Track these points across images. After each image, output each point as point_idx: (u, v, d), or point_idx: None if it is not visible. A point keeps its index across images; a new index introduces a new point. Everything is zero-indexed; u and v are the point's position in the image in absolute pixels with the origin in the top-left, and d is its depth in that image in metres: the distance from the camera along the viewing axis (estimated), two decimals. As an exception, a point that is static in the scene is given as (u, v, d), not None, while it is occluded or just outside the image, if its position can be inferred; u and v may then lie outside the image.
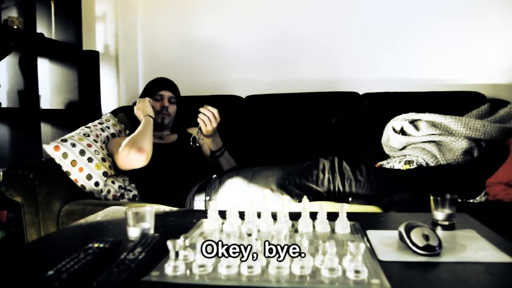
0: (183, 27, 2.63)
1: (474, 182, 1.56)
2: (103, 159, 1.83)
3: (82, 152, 1.77)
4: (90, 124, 1.99)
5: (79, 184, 1.76)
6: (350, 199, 1.58)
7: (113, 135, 2.04)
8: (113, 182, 1.81)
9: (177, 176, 1.78)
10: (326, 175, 1.54)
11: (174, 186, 1.74)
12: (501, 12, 2.27)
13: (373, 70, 2.43)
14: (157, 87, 2.04)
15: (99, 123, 2.03)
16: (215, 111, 1.82)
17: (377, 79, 2.40)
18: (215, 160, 1.99)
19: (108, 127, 2.04)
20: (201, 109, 1.82)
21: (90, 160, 1.77)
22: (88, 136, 1.86)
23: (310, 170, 1.57)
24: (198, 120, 1.82)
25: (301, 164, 1.62)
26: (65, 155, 1.73)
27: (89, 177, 1.75)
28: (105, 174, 1.80)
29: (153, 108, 1.92)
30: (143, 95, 2.05)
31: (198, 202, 1.67)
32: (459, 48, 2.32)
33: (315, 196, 1.56)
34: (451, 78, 2.33)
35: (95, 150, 1.81)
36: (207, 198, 1.66)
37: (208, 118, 1.81)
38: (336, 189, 1.54)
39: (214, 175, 1.76)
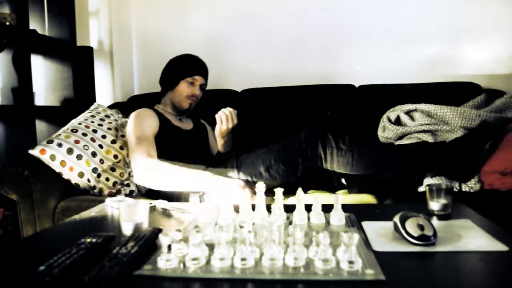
0: (177, 22, 2.61)
1: (467, 164, 1.53)
2: (94, 154, 1.77)
3: (69, 151, 1.72)
4: (80, 116, 1.95)
5: (73, 182, 1.74)
6: (343, 179, 1.56)
7: (107, 116, 1.98)
8: (107, 179, 1.78)
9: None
10: (309, 145, 1.52)
11: None
12: (496, 2, 2.26)
13: (369, 62, 2.42)
14: (193, 70, 1.92)
15: (88, 112, 1.99)
16: (234, 112, 1.79)
17: (373, 71, 2.39)
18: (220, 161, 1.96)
19: (99, 112, 1.99)
20: (222, 110, 1.78)
21: (79, 157, 1.72)
22: (76, 131, 1.80)
23: (293, 142, 1.54)
24: (216, 116, 1.78)
25: (284, 140, 1.59)
26: (53, 157, 1.70)
27: (81, 174, 1.72)
28: (94, 170, 1.74)
29: (183, 90, 1.89)
30: (174, 69, 1.94)
31: (194, 197, 1.65)
32: (454, 39, 2.32)
33: (302, 170, 1.53)
34: (447, 69, 2.32)
35: (84, 145, 1.76)
36: (201, 193, 1.64)
37: (226, 117, 1.77)
38: (319, 158, 1.51)
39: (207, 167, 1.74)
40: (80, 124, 1.87)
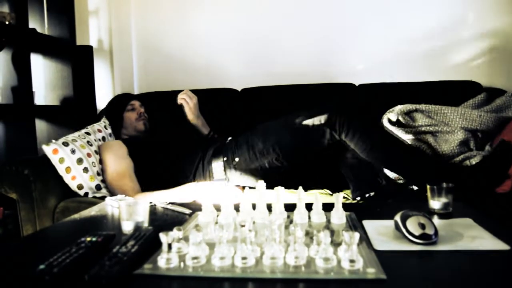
0: (177, 21, 2.61)
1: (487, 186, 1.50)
2: (98, 173, 1.77)
3: (79, 161, 1.70)
4: (90, 131, 1.92)
5: (71, 188, 1.72)
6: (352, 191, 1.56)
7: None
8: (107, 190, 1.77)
9: (178, 153, 1.82)
10: (341, 117, 1.54)
11: (175, 163, 1.78)
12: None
13: (369, 61, 2.42)
14: (125, 100, 2.09)
15: (99, 130, 1.97)
16: (185, 90, 2.00)
17: (373, 69, 2.39)
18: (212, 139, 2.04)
19: (110, 134, 2.03)
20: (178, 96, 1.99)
21: (85, 170, 1.71)
22: (91, 145, 1.81)
23: (323, 111, 1.58)
24: (179, 100, 1.98)
25: (313, 108, 1.64)
26: (61, 160, 1.68)
27: (79, 187, 1.69)
28: (97, 187, 1.73)
29: (130, 117, 2.04)
30: (113, 110, 2.08)
31: (216, 165, 1.70)
32: (454, 37, 2.31)
33: (326, 143, 1.58)
34: (447, 67, 2.32)
35: (92, 162, 1.75)
36: (225, 159, 1.70)
37: (187, 96, 1.97)
38: (344, 132, 1.54)
39: (230, 138, 1.82)
40: (95, 140, 1.87)
